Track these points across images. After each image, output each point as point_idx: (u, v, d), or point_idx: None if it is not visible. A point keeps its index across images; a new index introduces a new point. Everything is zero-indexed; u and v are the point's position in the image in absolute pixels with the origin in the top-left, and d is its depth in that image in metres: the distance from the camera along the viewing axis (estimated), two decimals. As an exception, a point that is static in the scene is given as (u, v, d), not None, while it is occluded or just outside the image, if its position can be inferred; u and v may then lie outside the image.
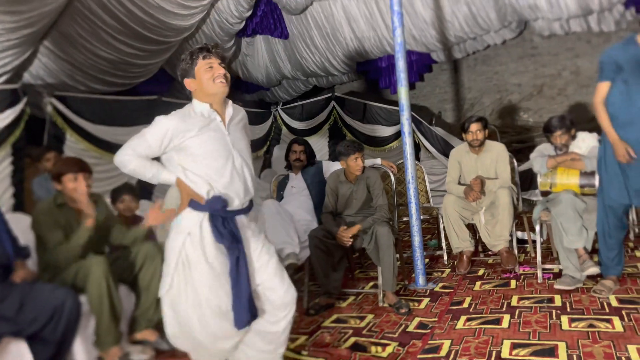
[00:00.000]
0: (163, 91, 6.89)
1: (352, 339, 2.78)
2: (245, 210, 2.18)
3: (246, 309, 2.05)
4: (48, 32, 5.00)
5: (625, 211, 3.07)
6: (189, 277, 2.05)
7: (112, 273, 2.51)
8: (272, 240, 3.37)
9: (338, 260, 3.36)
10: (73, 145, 4.62)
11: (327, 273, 3.32)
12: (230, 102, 2.23)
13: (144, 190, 5.18)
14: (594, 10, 6.13)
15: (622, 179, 2.94)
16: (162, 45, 5.81)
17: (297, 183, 3.79)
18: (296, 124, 7.56)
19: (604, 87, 2.95)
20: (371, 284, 3.81)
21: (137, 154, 2.07)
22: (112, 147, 4.94)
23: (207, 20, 6.51)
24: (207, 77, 2.06)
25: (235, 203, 2.11)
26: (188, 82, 2.12)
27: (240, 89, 9.19)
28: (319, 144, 7.31)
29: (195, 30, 6.45)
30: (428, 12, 6.52)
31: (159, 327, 2.78)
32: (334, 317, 3.18)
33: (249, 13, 6.84)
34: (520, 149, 7.28)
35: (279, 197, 3.82)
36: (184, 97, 8.16)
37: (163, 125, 2.06)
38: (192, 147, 2.06)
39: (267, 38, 8.04)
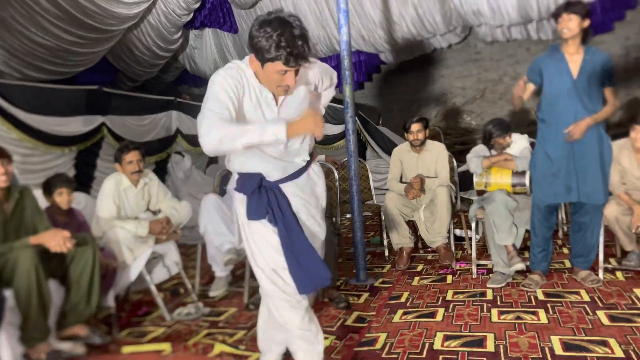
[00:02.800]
0: (105, 81, 6.66)
1: (291, 333, 2.79)
2: (291, 177, 1.99)
3: (308, 273, 1.92)
4: (-21, 14, 4.73)
5: (552, 211, 3.24)
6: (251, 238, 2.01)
7: (42, 265, 2.40)
8: (212, 236, 3.38)
9: (280, 255, 3.35)
10: (4, 135, 4.36)
11: (268, 268, 3.31)
12: None
13: (81, 183, 5.00)
14: (533, 19, 6.43)
15: (551, 179, 3.10)
16: (104, 33, 5.62)
17: (240, 178, 3.75)
18: (244, 120, 7.52)
19: (527, 85, 3.15)
20: (313, 279, 3.84)
21: (225, 121, 1.67)
22: (47, 138, 4.72)
23: (153, 10, 6.36)
24: (274, 79, 1.76)
25: (275, 176, 1.96)
26: (252, 60, 1.79)
27: (188, 82, 9.02)
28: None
29: (140, 19, 6.29)
30: (377, 12, 6.64)
31: (89, 321, 2.70)
32: (274, 311, 3.18)
33: (197, 5, 6.74)
34: (462, 151, 7.53)
35: (222, 192, 3.77)
36: (128, 89, 7.87)
37: (223, 78, 1.77)
38: (246, 111, 1.84)
39: (216, 31, 7.94)
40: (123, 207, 3.23)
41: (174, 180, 5.83)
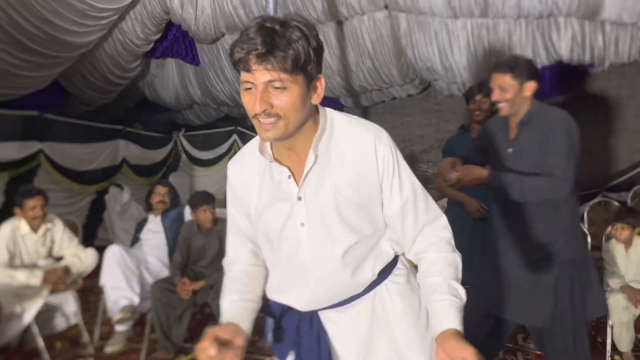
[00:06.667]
0: (55, 105, 6.54)
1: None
2: (340, 305, 1.26)
3: None
4: None
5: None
6: None
7: None
8: (109, 290, 3.27)
9: (181, 313, 3.27)
10: None
11: (168, 326, 3.21)
12: (323, 132, 1.20)
13: (8, 212, 4.84)
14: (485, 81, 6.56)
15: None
16: (50, 59, 5.53)
17: (154, 226, 3.66)
18: (197, 153, 7.43)
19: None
20: (222, 336, 3.73)
21: (236, 251, 1.38)
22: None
23: (109, 39, 6.30)
24: (247, 107, 1.10)
25: (299, 305, 1.27)
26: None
27: (150, 109, 8.92)
28: (217, 177, 7.20)
29: (95, 47, 6.22)
30: (334, 60, 6.70)
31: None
32: (168, 373, 3.07)
33: (157, 36, 6.71)
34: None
35: (135, 240, 3.67)
36: (81, 113, 7.68)
37: (229, 184, 1.33)
38: (253, 219, 1.30)
39: (179, 61, 7.90)
40: (19, 254, 3.11)
41: (110, 213, 5.70)
